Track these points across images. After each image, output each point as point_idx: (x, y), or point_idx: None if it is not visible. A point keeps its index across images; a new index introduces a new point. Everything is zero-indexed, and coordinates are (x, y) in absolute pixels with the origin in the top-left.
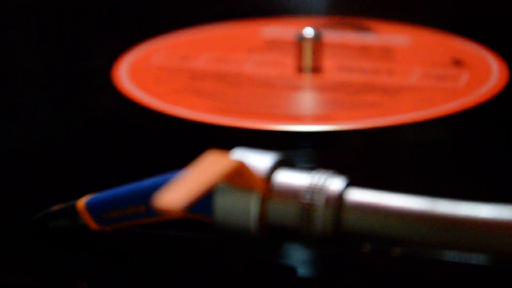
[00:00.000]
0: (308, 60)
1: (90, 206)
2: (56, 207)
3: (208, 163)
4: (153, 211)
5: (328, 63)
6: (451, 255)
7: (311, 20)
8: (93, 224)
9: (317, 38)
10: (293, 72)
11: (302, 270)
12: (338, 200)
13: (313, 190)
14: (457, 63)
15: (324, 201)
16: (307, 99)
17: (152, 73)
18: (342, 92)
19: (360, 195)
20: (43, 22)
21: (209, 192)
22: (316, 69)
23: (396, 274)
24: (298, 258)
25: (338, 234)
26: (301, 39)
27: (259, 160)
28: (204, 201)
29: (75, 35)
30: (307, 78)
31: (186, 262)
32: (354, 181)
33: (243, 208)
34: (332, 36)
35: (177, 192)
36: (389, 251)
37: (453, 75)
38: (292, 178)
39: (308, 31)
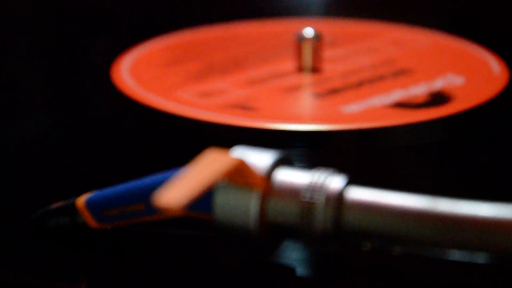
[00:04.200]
0: (308, 60)
1: (89, 204)
2: (55, 205)
3: (208, 161)
4: (153, 209)
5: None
6: (451, 254)
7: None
8: (92, 222)
9: (317, 38)
10: (293, 72)
11: (302, 270)
12: (338, 199)
13: (313, 189)
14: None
15: (324, 199)
16: (307, 98)
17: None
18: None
19: (360, 194)
20: (42, 21)
21: (209, 190)
22: (316, 69)
23: (396, 274)
24: (297, 257)
25: (338, 233)
26: (301, 39)
27: (259, 158)
28: (204, 199)
29: (75, 34)
30: (307, 78)
31: (186, 261)
32: (354, 180)
33: (243, 206)
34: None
35: (177, 190)
36: (389, 249)
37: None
38: (292, 177)
39: (308, 31)
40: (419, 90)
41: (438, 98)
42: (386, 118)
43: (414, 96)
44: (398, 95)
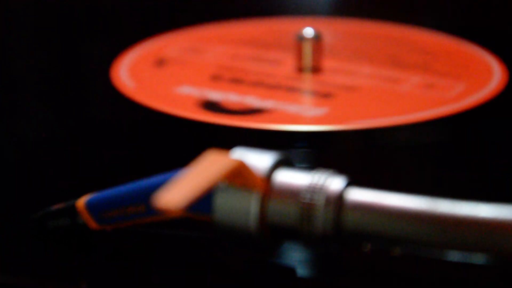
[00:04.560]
0: (308, 60)
1: (90, 205)
2: (56, 206)
3: (208, 162)
4: (153, 211)
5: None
6: (451, 255)
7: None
8: (93, 224)
9: (317, 38)
10: (293, 72)
11: (302, 270)
12: (338, 200)
13: (313, 190)
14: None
15: (324, 200)
16: (307, 99)
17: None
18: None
19: (360, 195)
20: (42, 21)
21: (209, 191)
22: (316, 69)
23: (396, 274)
24: (298, 258)
25: (338, 234)
26: (301, 39)
27: (259, 160)
28: (204, 201)
29: (75, 34)
30: (307, 78)
31: (186, 261)
32: (354, 181)
33: (243, 208)
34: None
35: (177, 191)
36: (389, 250)
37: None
38: (292, 178)
39: (308, 31)
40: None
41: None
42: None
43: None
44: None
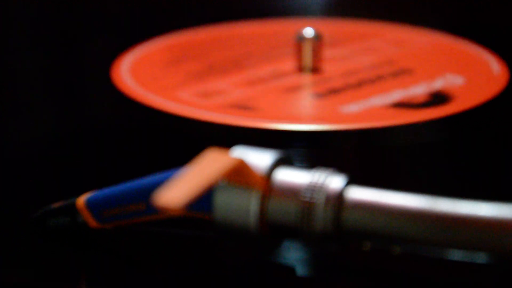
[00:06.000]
0: (308, 60)
1: (90, 203)
2: (55, 205)
3: (208, 161)
4: (153, 209)
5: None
6: (451, 254)
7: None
8: (93, 222)
9: (317, 38)
10: (293, 72)
11: (301, 270)
12: (338, 199)
13: (313, 188)
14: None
15: (324, 199)
16: (307, 99)
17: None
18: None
19: (360, 194)
20: (43, 21)
21: (209, 190)
22: (316, 69)
23: (396, 274)
24: (297, 257)
25: (338, 233)
26: (301, 39)
27: (259, 158)
28: (204, 199)
29: (75, 35)
30: (307, 78)
31: (186, 261)
32: (354, 180)
33: (243, 206)
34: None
35: (177, 190)
36: (389, 249)
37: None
38: (292, 176)
39: (308, 31)
40: (419, 90)
41: (438, 98)
42: (385, 118)
43: (414, 96)
44: (398, 95)
